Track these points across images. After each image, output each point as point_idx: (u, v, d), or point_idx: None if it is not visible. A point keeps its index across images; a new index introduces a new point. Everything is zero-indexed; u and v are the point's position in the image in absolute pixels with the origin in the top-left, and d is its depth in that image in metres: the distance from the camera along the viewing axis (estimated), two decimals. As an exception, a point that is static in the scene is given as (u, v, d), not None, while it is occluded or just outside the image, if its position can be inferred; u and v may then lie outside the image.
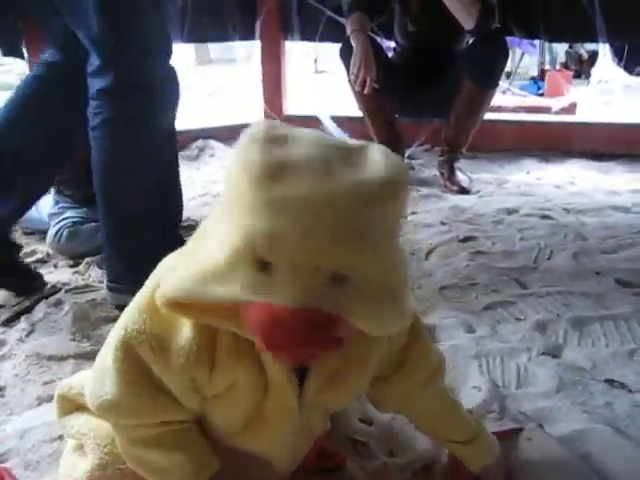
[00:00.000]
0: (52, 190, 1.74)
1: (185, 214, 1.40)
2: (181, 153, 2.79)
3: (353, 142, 0.53)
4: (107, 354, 0.60)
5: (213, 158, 2.75)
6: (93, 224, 1.61)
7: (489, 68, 2.11)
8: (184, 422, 0.62)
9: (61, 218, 1.64)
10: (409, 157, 2.59)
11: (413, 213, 1.95)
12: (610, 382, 0.99)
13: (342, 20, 2.69)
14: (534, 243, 1.60)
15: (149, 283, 0.61)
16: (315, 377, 0.61)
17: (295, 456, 0.70)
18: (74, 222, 1.62)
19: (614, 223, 1.76)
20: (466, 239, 1.66)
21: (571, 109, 2.85)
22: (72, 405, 0.72)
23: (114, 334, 0.60)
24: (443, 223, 1.82)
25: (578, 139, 2.47)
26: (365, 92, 2.12)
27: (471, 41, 2.17)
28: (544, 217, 1.84)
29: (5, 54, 2.33)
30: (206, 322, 0.55)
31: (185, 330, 0.56)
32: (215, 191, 2.25)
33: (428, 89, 2.22)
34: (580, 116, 2.84)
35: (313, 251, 0.47)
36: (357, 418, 0.90)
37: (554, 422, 0.88)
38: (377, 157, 0.51)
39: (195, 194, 2.20)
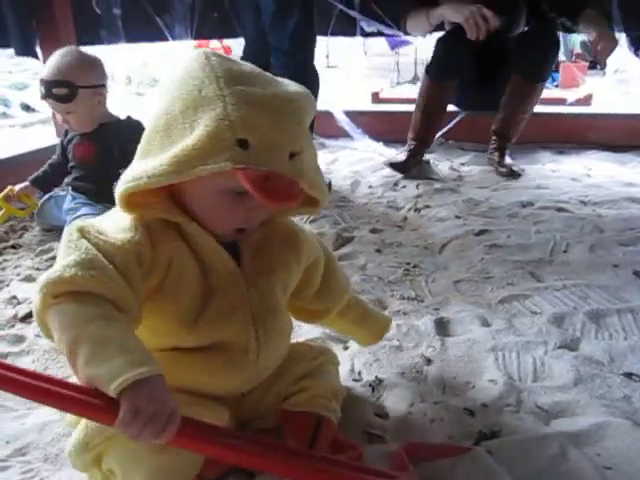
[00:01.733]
0: (68, 187, 1.76)
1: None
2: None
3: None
4: (60, 250, 0.66)
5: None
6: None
7: (539, 60, 2.10)
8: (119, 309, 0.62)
9: (77, 215, 1.65)
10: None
11: (427, 207, 1.94)
12: (628, 375, 0.97)
13: (353, 14, 2.69)
14: (550, 236, 1.59)
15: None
16: (246, 247, 0.74)
17: (260, 344, 0.73)
18: (90, 213, 1.63)
19: (631, 215, 1.73)
20: (481, 232, 1.65)
21: (586, 100, 2.82)
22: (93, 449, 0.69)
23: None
24: (457, 217, 1.81)
25: (594, 131, 2.44)
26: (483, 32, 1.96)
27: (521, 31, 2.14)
28: (560, 210, 1.82)
29: (19, 54, 2.37)
30: (151, 215, 0.68)
31: (123, 221, 0.68)
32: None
33: (485, 80, 2.20)
34: (596, 107, 2.81)
35: (281, 132, 0.64)
36: (373, 412, 0.90)
37: (572, 415, 0.88)
38: (290, 81, 0.70)
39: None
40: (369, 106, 3.40)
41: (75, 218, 1.63)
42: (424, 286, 1.36)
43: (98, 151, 1.69)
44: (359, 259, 1.52)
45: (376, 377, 0.99)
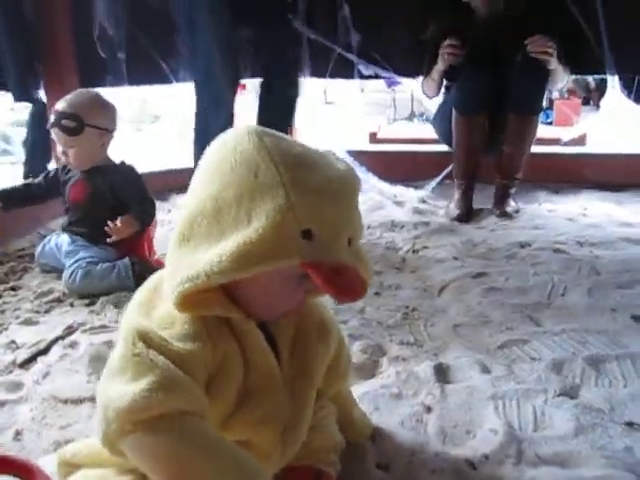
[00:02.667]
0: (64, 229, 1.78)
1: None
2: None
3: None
4: (122, 358, 0.61)
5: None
6: (107, 264, 1.64)
7: (528, 93, 2.16)
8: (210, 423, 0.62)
9: (76, 258, 1.66)
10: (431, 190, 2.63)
11: (425, 248, 1.96)
12: (630, 425, 0.97)
13: (351, 57, 2.75)
14: (547, 278, 1.60)
15: (138, 296, 0.68)
16: (283, 339, 0.72)
17: (285, 446, 0.71)
18: (88, 262, 1.64)
19: (628, 256, 1.75)
20: (479, 275, 1.66)
21: (581, 140, 2.87)
22: (71, 468, 0.75)
23: (122, 340, 0.63)
24: (455, 258, 1.82)
25: (589, 170, 2.48)
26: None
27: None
28: (557, 251, 1.83)
29: (17, 99, 2.41)
30: (207, 312, 0.64)
31: (179, 322, 0.63)
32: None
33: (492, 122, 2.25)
34: (590, 147, 2.85)
35: (341, 219, 0.62)
36: (374, 463, 0.89)
37: (573, 467, 0.87)
38: (332, 153, 0.68)
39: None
40: (368, 146, 3.46)
41: (74, 262, 1.64)
42: (423, 330, 1.36)
43: (91, 193, 1.71)
44: (358, 302, 1.53)
45: (376, 427, 0.98)
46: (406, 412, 1.03)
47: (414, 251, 1.94)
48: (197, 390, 0.61)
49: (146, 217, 1.67)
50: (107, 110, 1.69)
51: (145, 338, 0.61)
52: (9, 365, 1.24)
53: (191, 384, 0.60)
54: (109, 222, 1.61)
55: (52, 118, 1.64)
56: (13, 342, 1.33)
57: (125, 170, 1.71)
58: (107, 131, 1.68)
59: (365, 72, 2.81)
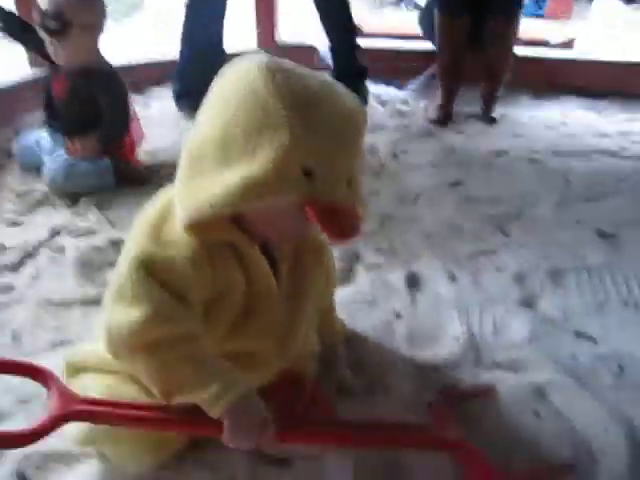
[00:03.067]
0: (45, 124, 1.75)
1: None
2: (169, 82, 2.76)
3: (324, 75, 0.68)
4: (123, 284, 0.67)
5: (205, 87, 2.71)
6: (88, 162, 1.64)
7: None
8: (201, 339, 0.69)
9: (56, 156, 1.65)
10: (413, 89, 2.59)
11: (404, 152, 1.98)
12: (578, 334, 1.07)
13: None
14: (520, 189, 1.65)
15: (150, 213, 0.71)
16: (283, 264, 0.77)
17: (283, 354, 0.79)
18: (68, 161, 1.64)
19: (600, 169, 1.80)
20: (455, 184, 1.71)
21: (569, 44, 2.81)
22: (77, 371, 0.82)
23: (126, 263, 0.68)
24: (433, 165, 1.85)
25: (574, 76, 2.45)
26: None
27: None
28: (532, 160, 1.87)
29: None
30: (215, 238, 0.68)
31: (183, 247, 0.67)
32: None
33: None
34: (578, 51, 2.80)
35: (342, 158, 0.64)
36: (347, 367, 0.98)
37: (524, 372, 0.98)
38: (345, 90, 0.68)
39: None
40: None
41: (55, 161, 1.63)
42: (397, 238, 1.42)
43: (71, 92, 1.66)
44: (337, 208, 1.57)
45: (350, 331, 1.07)
46: (378, 318, 1.11)
47: (394, 155, 1.96)
48: (191, 315, 0.67)
49: (110, 140, 1.65)
50: (93, 5, 1.60)
51: (147, 264, 0.66)
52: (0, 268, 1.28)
53: (184, 311, 0.66)
54: (68, 140, 1.63)
55: (37, 16, 1.56)
56: (1, 245, 1.37)
57: (110, 78, 1.65)
58: (94, 27, 1.60)
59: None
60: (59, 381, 0.74)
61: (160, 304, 0.65)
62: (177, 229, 0.68)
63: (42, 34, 1.59)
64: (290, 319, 0.79)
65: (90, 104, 1.64)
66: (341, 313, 1.09)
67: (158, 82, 2.72)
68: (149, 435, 0.75)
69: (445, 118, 2.25)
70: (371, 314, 1.13)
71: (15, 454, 0.81)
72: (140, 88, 2.63)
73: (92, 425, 0.74)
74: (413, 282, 1.24)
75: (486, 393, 0.92)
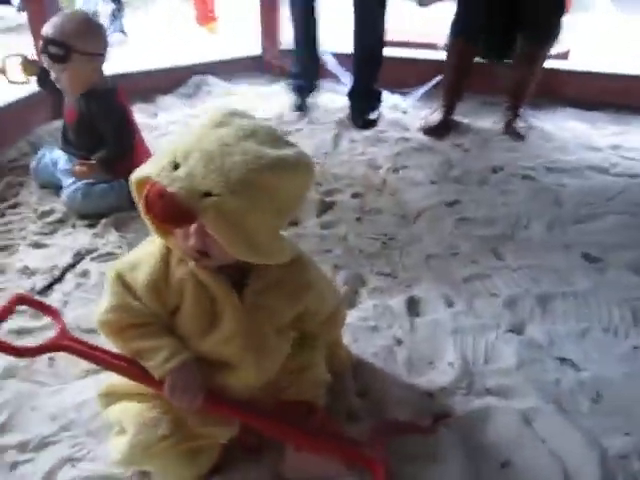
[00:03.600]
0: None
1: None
2: (177, 90, 2.83)
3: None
4: (106, 288, 0.88)
5: (210, 95, 2.79)
6: (104, 185, 1.73)
7: (543, 25, 2.14)
8: (158, 324, 0.87)
9: (73, 179, 1.74)
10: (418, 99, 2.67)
11: (404, 167, 2.07)
12: (562, 360, 1.18)
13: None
14: (514, 210, 1.75)
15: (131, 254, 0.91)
16: (252, 284, 0.86)
17: (260, 371, 0.89)
18: (85, 183, 1.73)
19: (591, 187, 1.89)
20: (452, 203, 1.80)
21: (564, 55, 2.87)
22: (112, 399, 0.94)
23: (109, 276, 0.88)
24: (432, 182, 1.95)
25: (569, 87, 2.53)
26: None
27: None
28: (526, 177, 1.97)
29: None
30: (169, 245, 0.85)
31: (149, 260, 0.86)
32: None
33: (510, 27, 2.22)
34: (573, 63, 2.87)
35: (201, 168, 0.74)
36: (354, 392, 1.09)
37: (511, 398, 1.08)
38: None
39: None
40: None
41: (72, 183, 1.73)
42: (398, 261, 1.53)
43: (78, 118, 1.74)
44: (340, 228, 1.68)
45: (355, 358, 1.17)
46: (380, 344, 1.22)
47: (394, 170, 2.06)
48: (146, 311, 0.85)
49: (112, 162, 1.73)
50: (95, 33, 1.67)
51: (118, 275, 0.86)
52: (28, 292, 1.38)
53: (140, 308, 0.85)
54: (74, 165, 1.74)
55: (41, 44, 1.63)
56: (27, 268, 1.47)
57: (108, 103, 1.71)
58: (97, 55, 1.68)
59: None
60: (62, 321, 0.93)
61: (120, 300, 0.85)
62: (141, 251, 0.89)
63: (46, 62, 1.67)
64: (255, 327, 0.88)
65: (93, 128, 1.73)
66: (346, 337, 1.20)
67: (165, 90, 2.80)
68: (185, 452, 0.88)
69: (444, 130, 2.33)
70: (374, 340, 1.23)
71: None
72: (148, 96, 2.72)
73: (132, 446, 0.86)
74: (413, 307, 1.34)
75: (424, 431, 1.01)
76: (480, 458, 0.96)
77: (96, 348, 0.89)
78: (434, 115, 2.39)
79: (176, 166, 0.75)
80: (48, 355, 1.18)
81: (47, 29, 1.62)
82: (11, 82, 1.93)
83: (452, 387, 1.11)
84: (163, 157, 0.77)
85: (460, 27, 2.26)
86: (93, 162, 1.73)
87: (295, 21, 2.48)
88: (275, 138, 0.79)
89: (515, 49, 2.23)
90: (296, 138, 2.34)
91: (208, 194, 0.73)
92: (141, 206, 0.80)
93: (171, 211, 0.74)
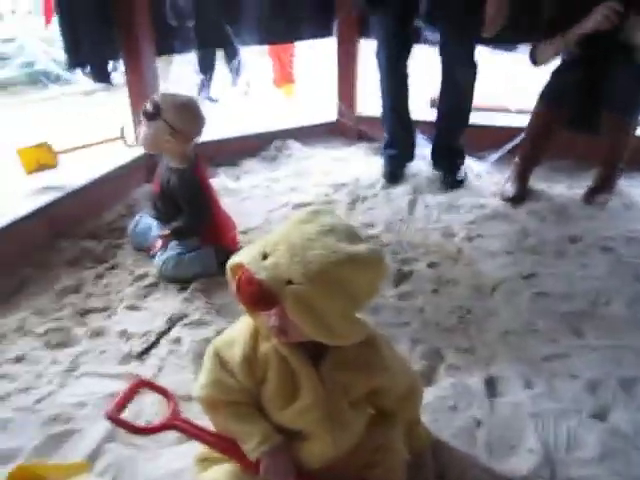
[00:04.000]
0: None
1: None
2: (259, 154, 3.00)
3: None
4: (204, 362, 0.99)
5: (291, 158, 2.94)
6: (193, 253, 1.87)
7: (624, 96, 2.16)
8: (249, 406, 0.96)
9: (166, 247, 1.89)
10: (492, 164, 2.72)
11: (479, 236, 2.10)
12: (648, 451, 1.16)
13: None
14: (593, 285, 1.74)
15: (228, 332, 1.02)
16: (328, 360, 0.93)
17: (336, 442, 0.95)
18: (177, 252, 1.87)
19: (674, 260, 1.85)
20: (529, 276, 1.81)
21: None
22: (208, 463, 1.04)
23: (208, 352, 0.99)
24: (508, 252, 1.96)
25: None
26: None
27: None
28: (605, 249, 1.95)
29: (97, 81, 2.60)
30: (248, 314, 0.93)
31: (242, 337, 0.96)
32: (294, 200, 2.44)
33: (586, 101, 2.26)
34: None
35: (286, 259, 0.83)
36: (434, 476, 1.12)
37: (595, 491, 1.08)
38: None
39: (275, 205, 2.42)
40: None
41: (164, 253, 1.87)
42: (475, 336, 1.55)
43: (162, 188, 1.90)
44: (417, 300, 1.72)
45: (434, 438, 1.20)
46: (459, 425, 1.24)
47: (469, 239, 2.09)
48: (239, 388, 0.94)
49: (185, 232, 1.88)
50: (189, 116, 1.82)
51: (216, 351, 0.97)
52: (126, 356, 1.50)
53: (235, 384, 0.94)
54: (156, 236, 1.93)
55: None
56: (125, 331, 1.59)
57: (184, 174, 1.85)
58: (175, 131, 1.79)
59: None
60: (175, 403, 1.06)
61: (214, 375, 0.96)
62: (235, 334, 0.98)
63: (142, 120, 1.84)
64: (331, 403, 0.94)
65: (173, 199, 1.87)
66: (425, 416, 1.23)
67: (250, 154, 2.98)
68: None
69: (520, 198, 2.35)
70: (453, 420, 1.25)
71: None
72: (233, 160, 2.90)
73: None
74: (491, 387, 1.35)
75: None
76: None
77: (202, 429, 1.00)
78: (509, 185, 2.42)
79: (265, 256, 0.85)
80: (145, 419, 1.27)
81: (158, 95, 1.82)
82: (128, 146, 2.16)
83: (533, 475, 1.11)
84: (255, 247, 0.88)
85: (551, 94, 2.29)
86: (168, 232, 1.87)
87: (386, 91, 2.57)
88: (351, 235, 0.89)
89: (599, 120, 2.24)
90: (372, 204, 2.42)
91: (290, 282, 0.82)
92: (233, 288, 0.89)
93: (257, 296, 0.84)
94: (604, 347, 1.47)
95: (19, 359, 1.48)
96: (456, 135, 2.55)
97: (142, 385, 1.10)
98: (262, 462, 0.93)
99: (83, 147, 2.90)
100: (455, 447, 1.19)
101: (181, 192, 1.84)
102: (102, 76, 2.59)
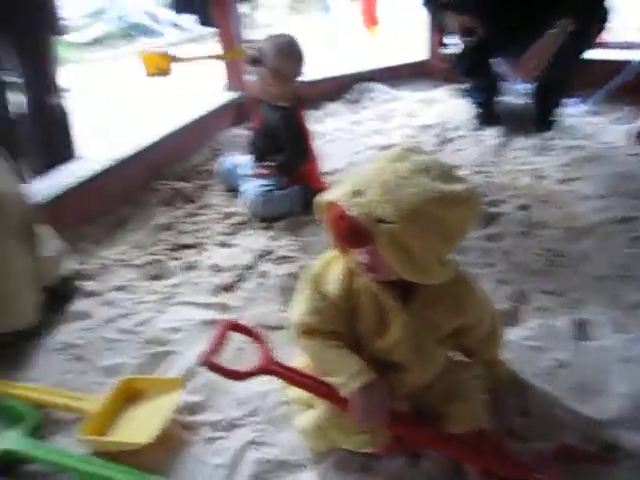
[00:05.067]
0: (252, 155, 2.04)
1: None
2: (343, 97, 2.97)
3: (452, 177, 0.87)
4: (299, 292, 1.01)
5: (373, 102, 2.89)
6: (282, 192, 1.91)
7: None
8: (344, 340, 0.96)
9: (255, 185, 1.94)
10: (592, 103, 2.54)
11: (573, 179, 1.99)
12: None
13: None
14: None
15: (317, 263, 1.02)
16: (417, 298, 0.94)
17: (421, 371, 0.98)
18: (265, 190, 1.91)
19: None
20: (624, 220, 1.71)
21: None
22: (301, 406, 1.09)
23: (303, 280, 1.01)
24: (604, 196, 1.86)
25: None
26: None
27: None
28: None
29: (202, 24, 2.65)
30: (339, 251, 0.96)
31: (338, 270, 0.98)
32: (380, 142, 2.42)
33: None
34: None
35: (378, 197, 0.83)
36: (517, 411, 1.11)
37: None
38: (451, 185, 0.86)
39: (360, 147, 2.40)
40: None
41: (255, 189, 1.92)
42: (566, 279, 1.49)
43: (262, 125, 1.94)
44: (505, 241, 1.68)
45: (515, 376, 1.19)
46: (542, 365, 1.22)
47: (562, 181, 1.99)
48: (337, 317, 0.96)
49: (286, 170, 1.92)
50: (287, 59, 1.83)
51: (313, 280, 0.98)
52: (216, 288, 1.57)
53: (333, 313, 0.95)
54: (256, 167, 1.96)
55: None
56: (216, 265, 1.67)
57: (289, 117, 1.88)
58: (277, 73, 1.82)
59: None
60: (268, 348, 1.05)
61: (315, 304, 0.97)
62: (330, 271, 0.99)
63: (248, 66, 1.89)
64: (418, 340, 0.95)
65: (275, 136, 1.90)
66: (507, 354, 1.21)
67: (331, 97, 2.95)
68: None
69: None
70: (535, 360, 1.23)
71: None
72: (316, 103, 2.88)
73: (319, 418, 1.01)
74: (580, 330, 1.32)
75: (602, 461, 1.00)
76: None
77: (294, 371, 1.02)
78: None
79: (356, 194, 0.85)
80: (237, 346, 1.34)
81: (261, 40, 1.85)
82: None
83: (621, 419, 1.08)
84: (345, 185, 0.87)
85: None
86: (272, 165, 1.92)
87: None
88: (447, 173, 0.87)
89: None
90: (459, 145, 2.35)
91: (382, 220, 0.82)
92: (325, 225, 0.92)
93: (350, 232, 0.86)
94: None
95: (120, 288, 1.60)
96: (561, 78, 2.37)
97: (232, 328, 1.08)
98: (354, 400, 0.92)
99: (194, 59, 3.00)
100: (537, 387, 1.17)
101: (284, 131, 1.88)
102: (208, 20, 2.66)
